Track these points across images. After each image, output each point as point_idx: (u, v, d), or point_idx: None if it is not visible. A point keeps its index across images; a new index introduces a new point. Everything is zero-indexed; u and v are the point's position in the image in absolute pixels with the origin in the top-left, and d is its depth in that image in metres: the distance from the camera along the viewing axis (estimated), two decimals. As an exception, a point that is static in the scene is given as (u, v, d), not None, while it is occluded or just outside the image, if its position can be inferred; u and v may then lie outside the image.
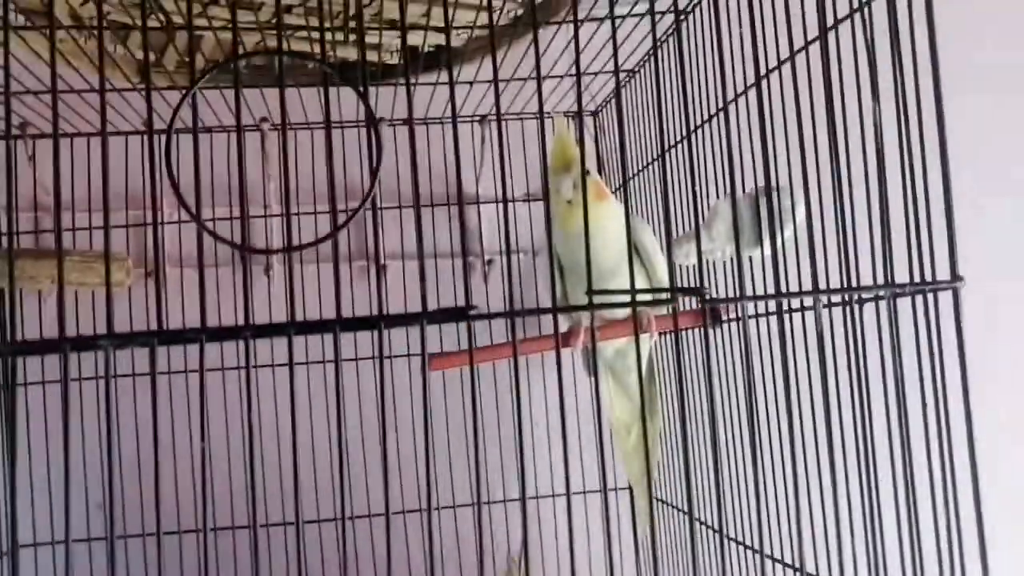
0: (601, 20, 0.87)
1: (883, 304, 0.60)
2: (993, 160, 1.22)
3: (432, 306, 0.53)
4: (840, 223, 0.59)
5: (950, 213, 0.57)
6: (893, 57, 0.59)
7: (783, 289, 0.58)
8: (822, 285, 0.59)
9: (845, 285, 0.59)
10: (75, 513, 1.06)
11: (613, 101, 1.14)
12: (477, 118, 1.16)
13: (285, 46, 0.88)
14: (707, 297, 0.55)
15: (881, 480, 0.62)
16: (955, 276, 0.57)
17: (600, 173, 1.17)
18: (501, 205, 0.56)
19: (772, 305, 0.78)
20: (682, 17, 0.87)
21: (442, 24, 0.85)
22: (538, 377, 1.12)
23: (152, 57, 0.91)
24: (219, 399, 1.05)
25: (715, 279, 0.92)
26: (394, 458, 1.01)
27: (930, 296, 0.59)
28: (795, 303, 0.74)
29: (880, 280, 0.60)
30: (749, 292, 0.61)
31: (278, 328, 0.52)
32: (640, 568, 0.79)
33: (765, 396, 0.72)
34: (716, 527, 0.86)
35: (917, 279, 0.59)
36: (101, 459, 0.52)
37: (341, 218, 0.52)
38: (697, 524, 0.87)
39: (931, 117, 0.57)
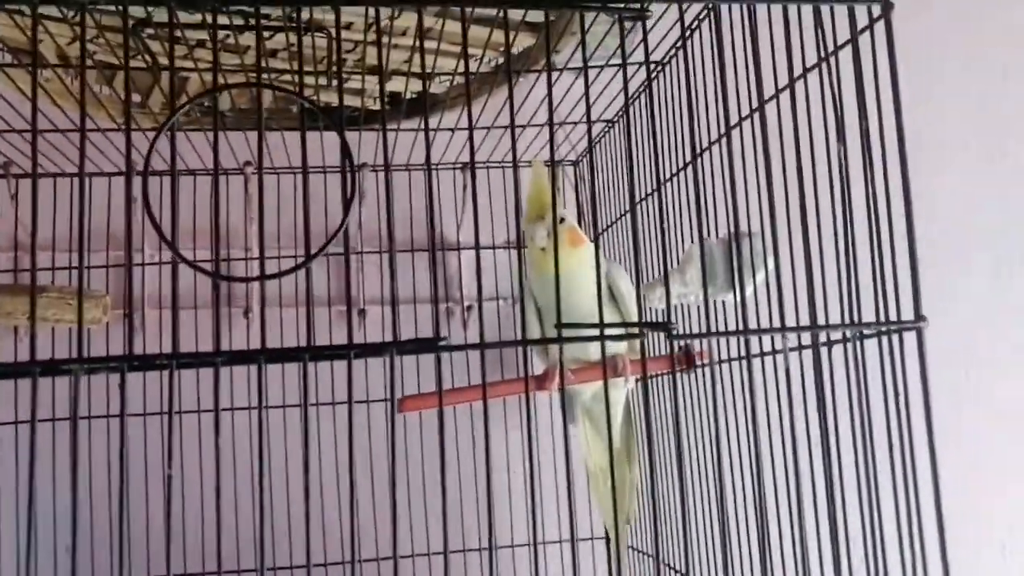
0: (579, 71, 0.88)
1: (849, 345, 0.61)
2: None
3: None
4: (807, 264, 0.60)
5: (913, 254, 0.58)
6: (858, 102, 0.61)
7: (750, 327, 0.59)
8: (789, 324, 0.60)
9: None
10: (43, 556, 1.04)
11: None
12: (459, 165, 1.18)
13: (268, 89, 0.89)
14: (674, 332, 0.56)
15: (848, 518, 0.62)
16: (919, 316, 0.58)
17: (579, 220, 1.19)
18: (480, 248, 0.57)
19: (742, 349, 0.79)
20: (655, 69, 0.90)
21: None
22: (516, 423, 1.12)
23: (138, 98, 0.92)
24: (193, 439, 1.04)
25: (687, 322, 0.93)
26: (367, 503, 1.01)
27: (895, 336, 0.60)
28: (766, 346, 0.75)
29: (846, 320, 0.61)
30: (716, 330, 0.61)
31: (249, 356, 0.53)
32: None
33: (738, 440, 0.72)
34: (683, 571, 0.86)
35: (882, 319, 0.60)
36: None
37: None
38: (665, 568, 0.86)
39: (895, 160, 0.59)
